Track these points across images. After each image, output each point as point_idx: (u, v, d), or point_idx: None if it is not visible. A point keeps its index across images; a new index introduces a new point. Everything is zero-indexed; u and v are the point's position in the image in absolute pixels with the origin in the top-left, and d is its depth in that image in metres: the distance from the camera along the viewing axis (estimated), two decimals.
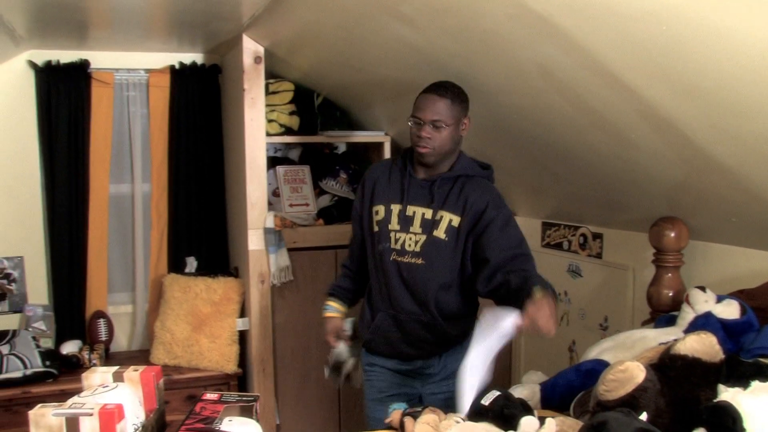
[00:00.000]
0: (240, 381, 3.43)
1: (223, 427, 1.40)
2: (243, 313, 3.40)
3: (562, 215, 3.10)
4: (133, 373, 1.59)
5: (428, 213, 2.18)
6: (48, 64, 3.45)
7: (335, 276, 3.28)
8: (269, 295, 3.27)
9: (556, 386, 2.02)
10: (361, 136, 3.60)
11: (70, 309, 3.60)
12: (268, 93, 3.35)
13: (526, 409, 1.59)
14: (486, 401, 1.62)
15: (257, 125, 3.20)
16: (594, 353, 2.03)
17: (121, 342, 3.78)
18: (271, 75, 3.44)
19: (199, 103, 3.69)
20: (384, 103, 3.32)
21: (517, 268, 2.04)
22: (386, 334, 2.27)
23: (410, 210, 2.20)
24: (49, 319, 3.55)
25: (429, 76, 2.22)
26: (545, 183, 2.93)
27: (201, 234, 3.72)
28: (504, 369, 3.68)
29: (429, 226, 2.17)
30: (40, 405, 1.37)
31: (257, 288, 3.25)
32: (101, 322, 3.61)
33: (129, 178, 3.71)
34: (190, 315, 3.37)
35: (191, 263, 3.64)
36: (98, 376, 1.59)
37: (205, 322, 3.37)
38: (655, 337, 1.96)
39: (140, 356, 3.57)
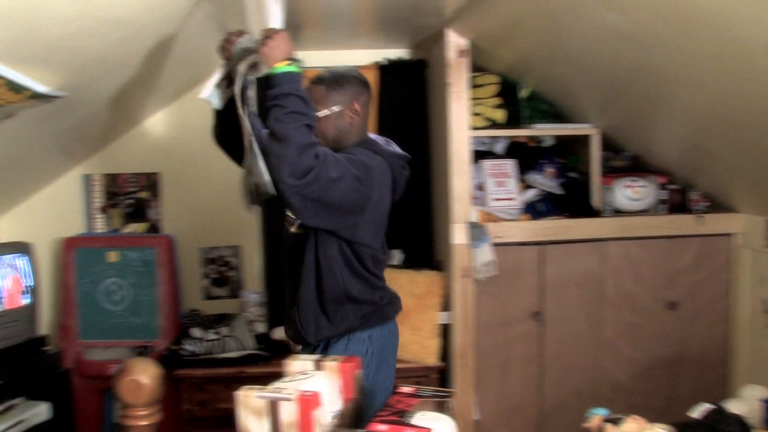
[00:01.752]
0: (441, 374, 3.72)
1: (414, 421, 1.50)
2: (446, 306, 3.69)
3: None
4: (332, 362, 1.77)
5: None
6: None
7: (537, 271, 3.49)
8: (472, 290, 3.54)
9: None
10: (567, 129, 3.76)
11: (282, 296, 4.11)
12: (472, 86, 3.62)
13: (744, 427, 1.55)
14: (696, 414, 1.62)
15: (462, 119, 3.47)
16: None
17: None
18: (475, 68, 3.70)
19: (405, 98, 4.03)
20: (592, 94, 3.44)
21: None
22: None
23: None
24: (262, 305, 4.11)
25: (639, 65, 2.27)
26: None
27: (406, 227, 4.03)
28: (717, 379, 3.67)
29: None
30: (246, 387, 1.58)
31: (460, 282, 3.53)
32: None
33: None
34: None
35: (397, 256, 4.02)
36: (299, 363, 1.81)
37: (408, 314, 3.69)
38: None
39: None
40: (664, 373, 3.67)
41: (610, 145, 3.84)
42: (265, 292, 4.12)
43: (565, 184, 3.74)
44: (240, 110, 2.15)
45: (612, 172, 3.78)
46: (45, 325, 3.97)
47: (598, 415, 1.78)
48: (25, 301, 3.41)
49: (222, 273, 4.21)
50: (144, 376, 1.75)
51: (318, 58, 4.03)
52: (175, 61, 3.31)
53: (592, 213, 3.66)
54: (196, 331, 3.76)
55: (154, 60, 3.04)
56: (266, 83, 2.03)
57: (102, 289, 3.91)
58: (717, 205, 3.70)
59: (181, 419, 3.59)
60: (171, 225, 4.16)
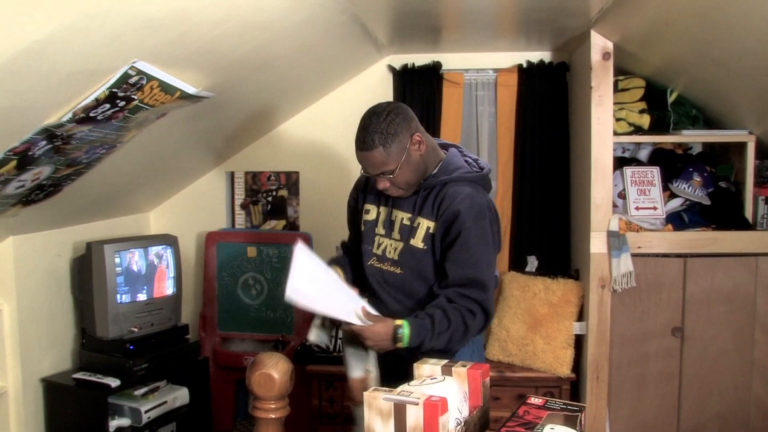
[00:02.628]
0: (572, 386, 3.73)
1: None
2: (581, 316, 3.71)
3: None
4: (461, 368, 1.78)
5: (407, 218, 2.27)
6: (404, 67, 4.14)
7: (680, 285, 3.46)
8: (609, 301, 3.53)
9: None
10: (720, 136, 3.66)
11: None
12: (616, 90, 3.62)
13: None
14: None
15: (604, 124, 3.48)
16: None
17: None
18: (620, 71, 3.69)
19: (546, 101, 4.08)
20: (749, 98, 3.35)
21: (457, 299, 2.16)
22: None
23: (394, 214, 2.30)
24: None
25: None
26: None
27: (543, 233, 4.10)
28: None
29: (407, 233, 2.26)
30: (373, 388, 1.64)
31: (597, 292, 3.54)
32: None
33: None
34: (527, 314, 3.78)
35: (532, 262, 4.05)
36: (428, 367, 1.86)
37: (541, 322, 3.75)
38: None
39: None
40: None
41: (765, 154, 3.71)
42: None
43: (713, 193, 3.65)
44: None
45: None
46: (188, 315, 4.33)
47: None
48: (169, 290, 3.75)
49: None
50: (275, 371, 1.90)
51: (459, 62, 4.16)
52: (317, 62, 3.54)
53: (744, 225, 3.56)
54: None
55: (296, 62, 3.27)
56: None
57: (241, 282, 4.22)
58: None
59: (310, 414, 3.81)
60: (308, 223, 4.41)
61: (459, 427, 1.69)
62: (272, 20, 2.57)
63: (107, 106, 2.35)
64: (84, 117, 2.35)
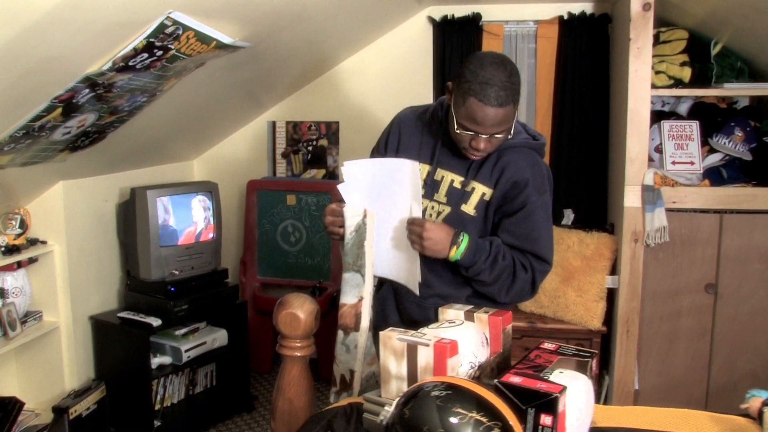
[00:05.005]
0: (603, 339, 3.79)
1: (552, 377, 1.53)
2: (614, 270, 3.75)
3: None
4: (483, 314, 1.87)
5: (458, 181, 2.11)
6: (444, 18, 4.17)
7: (715, 242, 3.47)
8: (642, 255, 3.56)
9: None
10: (764, 89, 3.60)
11: None
12: (658, 42, 3.59)
13: None
14: None
15: (642, 77, 3.46)
16: None
17: None
18: (663, 23, 3.67)
19: (587, 54, 4.07)
20: None
21: (515, 253, 2.08)
22: (386, 311, 2.28)
23: (440, 174, 2.13)
24: None
25: None
26: None
27: (580, 187, 4.13)
28: None
29: (457, 197, 2.10)
30: (390, 329, 1.73)
31: (630, 246, 3.57)
32: None
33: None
34: (560, 267, 3.83)
35: (568, 215, 4.09)
36: (452, 312, 1.93)
37: (574, 275, 3.80)
38: None
39: None
40: None
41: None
42: None
43: (756, 149, 3.62)
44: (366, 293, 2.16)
45: None
46: (229, 260, 4.51)
47: (759, 397, 1.74)
48: (210, 235, 3.91)
49: None
50: (301, 311, 2.02)
51: (499, 13, 4.18)
52: (354, 13, 3.59)
53: None
54: None
55: (331, 12, 3.33)
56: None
57: (280, 230, 4.37)
58: None
59: None
60: None
61: (473, 370, 1.77)
62: None
63: (145, 55, 2.47)
64: (124, 66, 2.48)
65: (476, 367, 1.77)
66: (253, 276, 4.41)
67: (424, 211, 2.13)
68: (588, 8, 4.09)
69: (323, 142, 4.54)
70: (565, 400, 1.47)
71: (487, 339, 1.86)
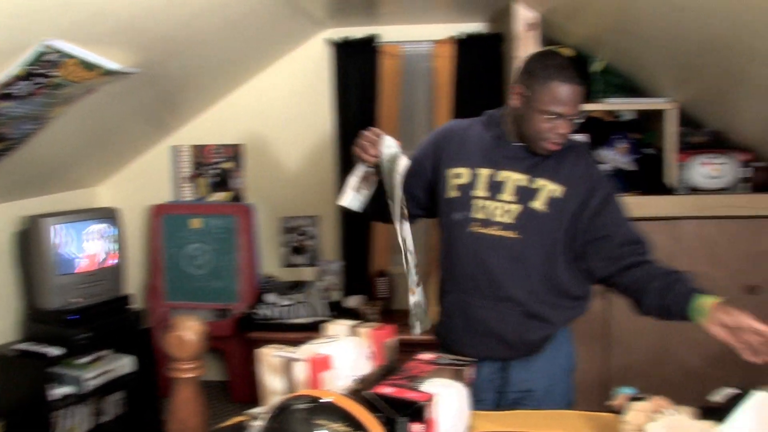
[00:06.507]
0: None
1: (424, 387, 1.54)
2: None
3: None
4: (364, 329, 1.87)
5: (523, 179, 2.11)
6: (343, 39, 4.26)
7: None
8: None
9: None
10: (639, 104, 3.79)
11: (357, 266, 4.43)
12: None
13: None
14: (718, 398, 1.70)
15: None
16: None
17: (402, 300, 4.50)
18: (547, 41, 3.80)
19: (482, 72, 4.19)
20: (669, 68, 3.47)
21: (646, 257, 2.07)
22: (454, 321, 2.23)
23: (501, 175, 2.13)
24: (338, 274, 4.43)
25: (719, 38, 2.29)
26: None
27: None
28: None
29: (525, 195, 2.10)
30: (268, 345, 1.74)
31: None
32: (383, 280, 4.38)
33: (414, 145, 4.41)
34: None
35: None
36: (336, 327, 1.92)
37: None
38: None
39: None
40: (740, 359, 3.67)
41: (689, 121, 3.85)
42: (342, 261, 4.43)
43: (639, 160, 3.80)
44: (397, 223, 2.13)
45: (691, 148, 3.79)
46: (135, 285, 4.46)
47: (623, 393, 1.82)
48: (111, 262, 3.88)
49: (300, 242, 4.56)
50: (189, 332, 2.03)
51: (395, 33, 4.29)
52: (246, 38, 3.64)
53: (665, 190, 3.72)
54: (270, 297, 4.13)
55: (222, 37, 3.37)
56: None
57: (186, 253, 4.36)
58: None
59: (253, 379, 3.95)
60: (253, 195, 4.56)
61: (353, 383, 1.77)
62: None
63: (26, 83, 2.46)
64: (5, 94, 2.46)
65: (358, 381, 1.78)
66: (161, 301, 4.37)
67: (490, 213, 2.12)
68: (482, 28, 4.24)
69: (228, 164, 4.54)
70: (434, 407, 1.50)
71: (373, 353, 1.89)
